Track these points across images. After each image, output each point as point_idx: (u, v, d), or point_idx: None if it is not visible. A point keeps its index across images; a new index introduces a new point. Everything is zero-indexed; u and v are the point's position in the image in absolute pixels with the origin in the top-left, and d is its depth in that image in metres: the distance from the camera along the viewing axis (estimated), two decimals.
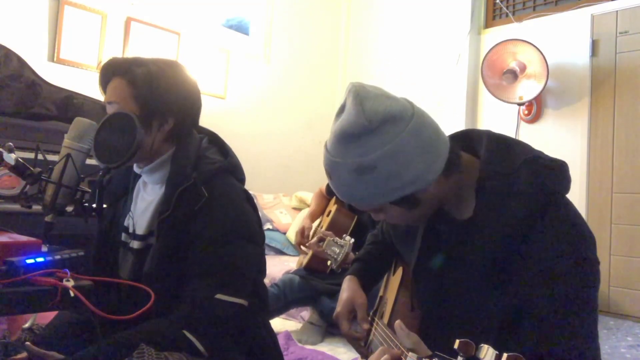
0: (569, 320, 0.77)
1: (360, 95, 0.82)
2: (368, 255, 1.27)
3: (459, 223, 0.92)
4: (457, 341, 0.56)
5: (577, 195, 3.10)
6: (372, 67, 4.35)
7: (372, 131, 0.80)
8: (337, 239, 1.78)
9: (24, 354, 0.97)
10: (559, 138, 3.23)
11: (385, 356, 0.70)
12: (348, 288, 1.17)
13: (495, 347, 0.56)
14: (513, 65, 3.17)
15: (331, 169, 0.86)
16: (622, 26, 3.04)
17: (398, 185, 0.82)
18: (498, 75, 3.23)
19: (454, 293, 0.93)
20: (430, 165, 0.83)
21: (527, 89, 3.16)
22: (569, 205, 0.85)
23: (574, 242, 0.80)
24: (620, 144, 3.02)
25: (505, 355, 0.53)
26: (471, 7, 3.70)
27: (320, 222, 2.59)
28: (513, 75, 3.16)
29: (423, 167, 0.82)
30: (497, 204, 0.84)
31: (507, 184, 0.84)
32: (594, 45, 3.13)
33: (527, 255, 0.81)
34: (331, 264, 1.75)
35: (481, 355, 0.55)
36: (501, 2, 3.63)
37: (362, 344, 1.14)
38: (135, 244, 1.18)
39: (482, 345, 0.55)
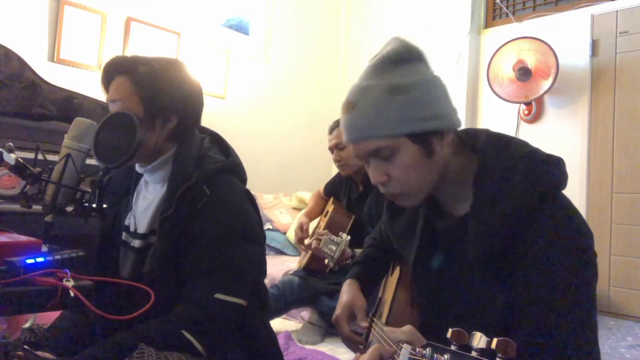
0: (567, 312, 0.78)
1: (401, 38, 0.89)
2: (366, 258, 1.27)
3: (456, 219, 0.92)
4: (450, 330, 0.57)
5: (577, 195, 3.10)
6: None
7: (410, 61, 0.86)
8: (333, 236, 1.79)
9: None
10: (559, 138, 3.24)
11: (377, 351, 0.70)
12: (347, 291, 1.18)
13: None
14: (524, 62, 3.17)
15: (359, 95, 0.86)
16: (622, 26, 3.04)
17: (426, 114, 0.84)
18: (506, 75, 3.23)
19: (453, 289, 0.93)
20: (454, 112, 0.88)
21: (534, 87, 3.16)
22: (565, 199, 0.85)
23: (571, 235, 0.81)
24: (620, 144, 3.02)
25: (495, 340, 0.55)
26: (471, 7, 3.70)
27: (318, 222, 2.60)
28: (525, 73, 3.16)
29: (450, 109, 0.88)
30: (494, 199, 0.84)
31: (504, 179, 0.85)
32: (594, 45, 3.14)
33: (525, 249, 0.81)
34: (328, 261, 1.76)
35: (473, 343, 0.56)
36: (501, 2, 3.63)
37: (361, 347, 1.14)
38: (136, 243, 1.19)
39: (475, 332, 0.56)
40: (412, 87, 0.84)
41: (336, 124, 2.36)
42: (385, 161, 0.87)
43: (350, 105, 0.86)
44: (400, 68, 0.86)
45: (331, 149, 2.35)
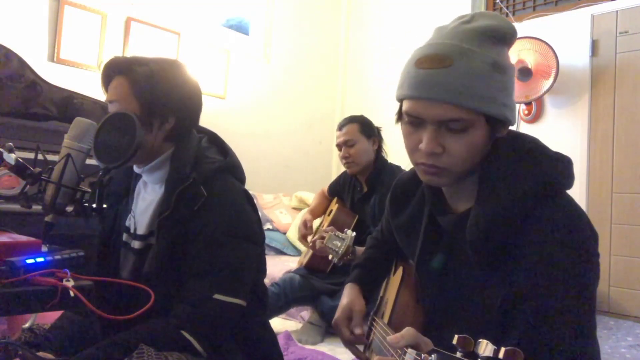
0: (567, 312, 0.77)
1: (502, 16, 0.87)
2: (367, 260, 1.26)
3: (460, 214, 0.92)
4: (456, 337, 0.56)
5: (577, 195, 3.10)
6: (372, 67, 4.35)
7: (508, 44, 0.86)
8: (338, 232, 1.79)
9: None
10: (559, 138, 3.23)
11: None
12: (347, 295, 1.18)
13: (497, 338, 0.56)
14: (524, 62, 3.17)
15: (458, 55, 0.80)
16: (622, 26, 3.04)
17: (508, 101, 0.84)
18: None
19: (456, 286, 0.93)
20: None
21: (534, 87, 3.16)
22: (569, 198, 0.85)
23: (572, 233, 0.79)
24: (620, 144, 3.02)
25: (503, 349, 0.53)
26: (471, 7, 3.70)
27: (322, 221, 2.60)
28: (526, 73, 3.16)
29: (514, 104, 0.88)
30: (497, 191, 0.84)
31: (508, 173, 0.84)
32: (594, 45, 3.13)
33: (525, 244, 0.80)
34: (332, 257, 1.76)
35: (480, 351, 0.55)
36: (501, 2, 3.63)
37: (361, 350, 1.14)
38: (136, 244, 1.18)
39: (481, 340, 0.55)
40: (509, 70, 0.84)
41: (346, 121, 2.35)
42: (449, 132, 0.82)
43: (446, 62, 0.79)
44: (500, 47, 0.84)
45: (339, 146, 2.34)
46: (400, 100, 0.88)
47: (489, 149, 0.88)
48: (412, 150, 0.87)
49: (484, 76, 0.79)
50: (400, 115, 0.89)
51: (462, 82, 0.78)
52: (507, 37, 0.85)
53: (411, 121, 0.85)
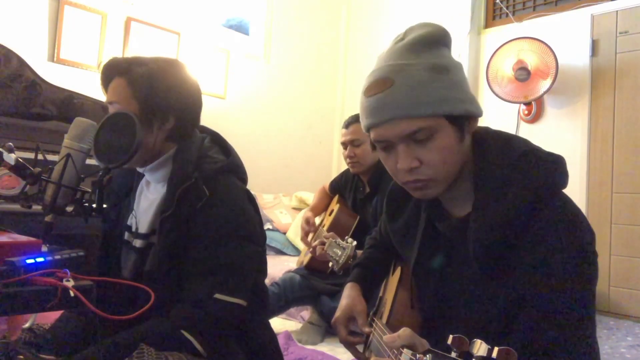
0: (567, 313, 0.77)
1: (432, 23, 0.89)
2: (368, 260, 1.26)
3: (458, 219, 0.92)
4: (451, 336, 0.56)
5: (577, 195, 3.10)
6: (372, 67, 4.34)
7: (444, 45, 0.88)
8: (339, 240, 1.75)
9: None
10: (559, 138, 3.24)
11: None
12: (348, 295, 1.17)
13: (496, 339, 0.56)
14: (523, 63, 3.17)
15: (396, 73, 0.83)
16: (622, 26, 3.04)
17: (463, 96, 0.85)
18: (505, 75, 3.23)
19: (454, 289, 0.93)
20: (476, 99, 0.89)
21: (533, 87, 3.16)
22: (567, 198, 0.85)
23: (573, 234, 0.80)
24: (620, 144, 3.02)
25: (496, 349, 0.54)
26: (471, 7, 3.70)
27: (323, 220, 2.59)
28: (525, 73, 3.16)
29: (473, 96, 0.88)
30: (494, 197, 0.84)
31: (503, 178, 0.85)
32: (594, 45, 3.14)
33: (525, 247, 0.81)
34: (332, 265, 1.73)
35: (474, 350, 0.55)
36: (501, 2, 3.63)
37: (359, 350, 1.15)
38: (137, 243, 1.19)
39: (475, 340, 0.56)
40: (451, 68, 0.85)
41: (353, 119, 2.28)
42: (418, 145, 0.84)
43: (387, 83, 0.83)
44: (436, 50, 0.86)
45: (345, 144, 2.29)
46: (367, 131, 0.90)
47: (468, 146, 0.89)
48: (394, 173, 0.90)
49: (425, 82, 0.82)
50: (373, 145, 0.92)
51: (406, 95, 0.81)
52: (440, 40, 0.87)
53: (382, 147, 0.89)
